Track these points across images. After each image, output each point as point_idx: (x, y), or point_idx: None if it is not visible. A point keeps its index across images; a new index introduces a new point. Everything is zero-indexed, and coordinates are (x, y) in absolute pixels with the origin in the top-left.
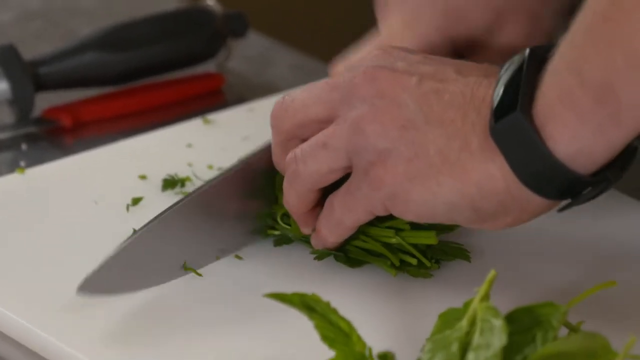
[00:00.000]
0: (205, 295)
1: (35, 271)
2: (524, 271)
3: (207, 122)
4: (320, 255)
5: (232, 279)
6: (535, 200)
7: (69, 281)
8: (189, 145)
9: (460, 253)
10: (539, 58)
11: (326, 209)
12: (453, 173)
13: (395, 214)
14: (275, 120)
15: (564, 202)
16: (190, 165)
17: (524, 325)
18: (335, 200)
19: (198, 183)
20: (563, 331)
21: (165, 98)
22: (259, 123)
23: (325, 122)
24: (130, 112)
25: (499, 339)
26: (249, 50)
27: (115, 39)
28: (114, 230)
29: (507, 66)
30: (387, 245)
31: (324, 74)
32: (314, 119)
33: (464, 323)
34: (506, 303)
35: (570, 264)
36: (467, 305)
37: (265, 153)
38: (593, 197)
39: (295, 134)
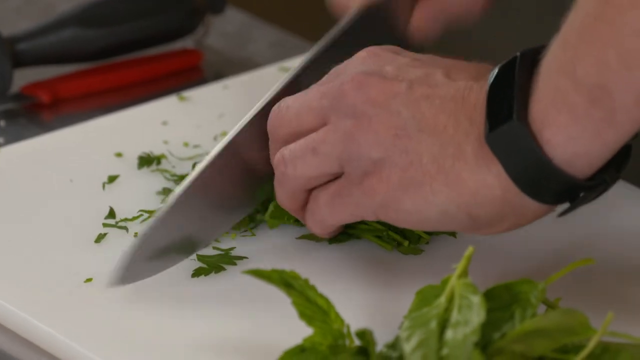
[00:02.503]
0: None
1: (11, 250)
2: (503, 248)
3: (182, 99)
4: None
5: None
6: (532, 205)
7: (45, 260)
8: (165, 123)
9: None
10: (530, 61)
11: (311, 204)
12: (448, 182)
13: (386, 221)
14: (272, 127)
15: (562, 207)
16: (166, 142)
17: (502, 302)
18: (321, 197)
19: (173, 160)
20: (541, 308)
21: (143, 74)
22: (234, 100)
23: (317, 130)
24: (109, 88)
25: (477, 315)
26: (227, 27)
27: (93, 15)
28: (90, 208)
29: (496, 70)
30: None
31: (303, 50)
32: (307, 128)
33: (442, 300)
34: (485, 280)
35: (549, 242)
36: (445, 282)
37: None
38: (590, 200)
39: (290, 142)
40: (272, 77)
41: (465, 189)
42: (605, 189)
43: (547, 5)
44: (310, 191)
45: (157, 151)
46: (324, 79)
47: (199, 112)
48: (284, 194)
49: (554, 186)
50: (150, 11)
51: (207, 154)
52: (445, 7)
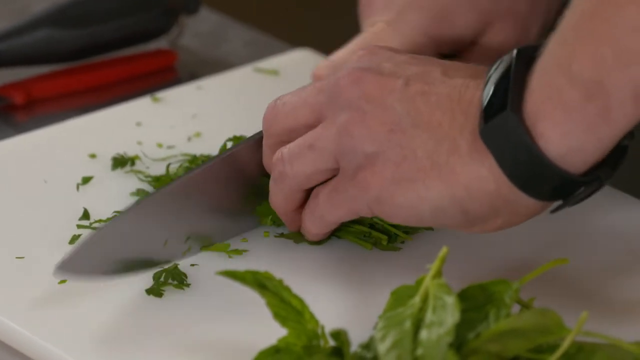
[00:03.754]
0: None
1: None
2: (478, 249)
3: (156, 100)
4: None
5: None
6: (526, 201)
7: (19, 261)
8: (139, 124)
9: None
10: (527, 57)
11: (311, 201)
12: (441, 176)
13: (381, 216)
14: (266, 123)
15: (556, 204)
16: (139, 143)
17: (476, 302)
18: (320, 194)
19: (147, 161)
20: (516, 308)
21: (118, 75)
22: (208, 100)
23: (313, 126)
24: (84, 89)
25: (451, 316)
26: (201, 27)
27: (67, 16)
28: (64, 209)
29: (494, 67)
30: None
31: (277, 50)
32: (302, 123)
33: (417, 300)
34: (460, 280)
35: (523, 242)
36: (419, 282)
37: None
38: (584, 198)
39: (285, 138)
40: (247, 77)
41: (458, 183)
42: (598, 187)
43: None
44: (306, 192)
45: (131, 152)
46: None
47: (173, 112)
48: (280, 194)
49: (547, 181)
50: (125, 12)
51: (181, 154)
52: None
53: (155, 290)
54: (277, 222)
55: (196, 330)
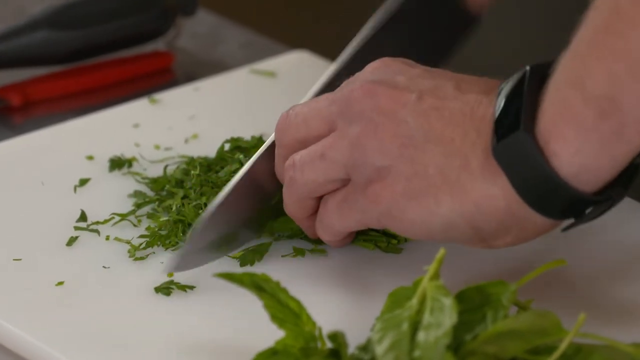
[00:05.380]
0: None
1: None
2: (475, 250)
3: (153, 101)
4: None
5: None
6: (538, 219)
7: (16, 263)
8: (136, 126)
9: None
10: (540, 75)
11: (321, 209)
12: (452, 192)
13: (390, 229)
14: (279, 133)
15: (567, 222)
16: (137, 145)
17: (474, 303)
18: (330, 203)
19: (145, 163)
20: (513, 310)
21: (115, 76)
22: (205, 102)
23: (325, 137)
24: (81, 90)
25: (449, 317)
26: (198, 28)
27: (64, 17)
28: (61, 211)
29: (507, 84)
30: None
31: (274, 52)
32: (315, 134)
33: (414, 302)
34: (458, 282)
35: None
36: (416, 284)
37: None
38: (597, 217)
39: (297, 148)
40: (244, 78)
41: (468, 200)
42: (611, 206)
43: (553, 22)
44: (318, 199)
45: (128, 154)
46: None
47: (170, 114)
48: (292, 201)
49: (559, 200)
50: (122, 13)
51: (178, 156)
52: None
53: (164, 290)
54: (295, 234)
55: (194, 331)
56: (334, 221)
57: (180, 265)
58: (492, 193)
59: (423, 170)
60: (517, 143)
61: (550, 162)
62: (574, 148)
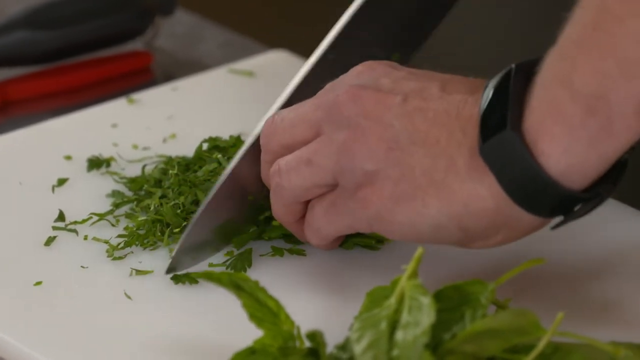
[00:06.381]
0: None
1: None
2: (454, 249)
3: (131, 101)
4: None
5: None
6: (526, 218)
7: None
8: (114, 125)
9: None
10: (526, 73)
11: (308, 213)
12: (439, 194)
13: (380, 233)
14: (265, 139)
15: (556, 220)
16: (115, 145)
17: (452, 302)
18: (317, 207)
19: (123, 163)
20: (492, 309)
21: (93, 76)
22: (183, 102)
23: (311, 142)
24: (59, 90)
25: (427, 316)
26: (177, 28)
27: (43, 17)
28: (39, 211)
29: (492, 82)
30: None
31: (253, 52)
32: (300, 139)
33: (393, 301)
34: (436, 281)
35: None
36: (395, 283)
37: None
38: (585, 214)
39: (283, 154)
40: (222, 78)
41: (456, 200)
42: (599, 202)
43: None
44: (306, 203)
45: (106, 154)
46: (320, 92)
47: (149, 114)
48: (280, 206)
49: (548, 198)
50: (100, 13)
51: (156, 156)
52: None
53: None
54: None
55: (172, 331)
56: (322, 225)
57: (176, 266)
58: (480, 193)
59: (410, 172)
60: (504, 142)
61: (539, 160)
62: (563, 146)
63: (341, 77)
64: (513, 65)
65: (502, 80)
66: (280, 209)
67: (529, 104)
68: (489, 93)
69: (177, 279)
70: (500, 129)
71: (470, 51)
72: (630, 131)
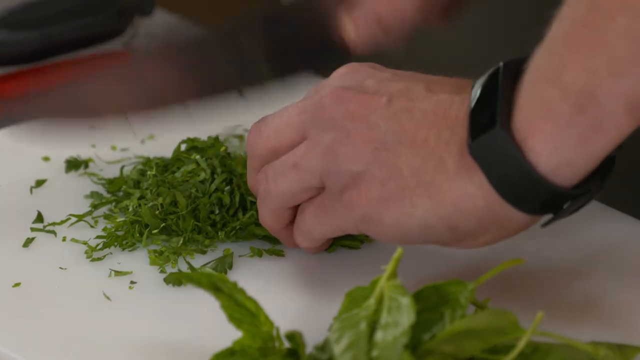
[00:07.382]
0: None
1: None
2: (433, 249)
3: None
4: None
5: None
6: (516, 216)
7: None
8: (92, 126)
9: None
10: (513, 71)
11: (298, 217)
12: (429, 194)
13: (368, 234)
14: (250, 144)
15: (545, 218)
16: (93, 146)
17: (432, 303)
18: (306, 210)
19: (101, 164)
20: (471, 309)
21: (72, 77)
22: None
23: (297, 146)
24: (37, 91)
25: (407, 317)
26: (155, 28)
27: (21, 17)
28: (17, 212)
29: (480, 81)
30: None
31: None
32: (286, 144)
33: (372, 301)
34: (416, 281)
35: None
36: (374, 283)
37: None
38: (575, 211)
39: (269, 159)
40: None
41: (446, 200)
42: (589, 199)
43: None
44: (294, 208)
45: (84, 155)
46: (304, 96)
47: None
48: (268, 212)
49: (538, 196)
50: (78, 13)
51: (134, 157)
52: (377, 17)
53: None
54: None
55: (151, 332)
56: (311, 228)
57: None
58: (470, 192)
59: (397, 173)
60: (494, 140)
61: (528, 158)
62: (552, 144)
63: (325, 80)
64: (501, 63)
65: (490, 78)
66: (268, 215)
67: (518, 102)
68: (477, 91)
69: (165, 281)
70: (490, 127)
71: (462, 51)
72: (619, 130)
